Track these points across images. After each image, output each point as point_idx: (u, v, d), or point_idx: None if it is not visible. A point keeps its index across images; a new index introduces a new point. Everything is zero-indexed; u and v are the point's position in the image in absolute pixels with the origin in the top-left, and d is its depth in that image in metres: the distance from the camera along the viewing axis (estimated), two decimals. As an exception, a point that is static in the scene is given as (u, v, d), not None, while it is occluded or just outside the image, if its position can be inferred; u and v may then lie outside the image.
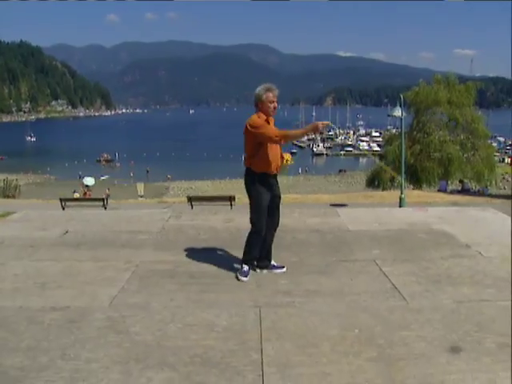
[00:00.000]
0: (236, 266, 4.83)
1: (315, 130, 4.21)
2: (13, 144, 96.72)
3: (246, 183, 4.59)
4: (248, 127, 4.37)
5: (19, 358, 3.15)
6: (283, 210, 7.91)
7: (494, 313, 3.77)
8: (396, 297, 4.13)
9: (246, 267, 4.63)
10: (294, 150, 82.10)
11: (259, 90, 4.42)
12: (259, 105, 4.42)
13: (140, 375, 2.95)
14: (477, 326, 3.55)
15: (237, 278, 4.58)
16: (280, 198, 4.74)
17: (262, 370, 2.99)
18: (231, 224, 6.78)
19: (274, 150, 4.47)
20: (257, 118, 4.37)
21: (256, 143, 4.40)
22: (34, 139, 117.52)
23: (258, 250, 4.66)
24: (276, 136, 4.32)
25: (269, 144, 4.40)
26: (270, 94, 4.37)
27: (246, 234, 4.70)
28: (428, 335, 3.42)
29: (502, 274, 4.64)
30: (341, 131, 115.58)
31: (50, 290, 4.29)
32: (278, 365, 3.06)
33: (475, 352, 3.18)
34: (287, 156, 4.75)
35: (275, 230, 4.81)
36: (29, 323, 3.65)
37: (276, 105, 4.43)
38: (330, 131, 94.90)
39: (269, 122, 4.41)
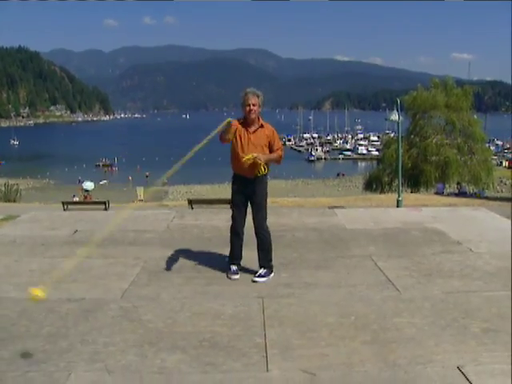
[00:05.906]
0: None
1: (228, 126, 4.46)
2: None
3: None
4: None
5: (41, 343, 3.42)
6: (282, 211, 8.19)
7: (480, 302, 4.06)
8: (389, 288, 4.42)
9: (233, 267, 4.83)
10: (312, 158, 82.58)
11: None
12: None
13: (154, 357, 3.22)
14: (464, 313, 3.83)
15: (227, 276, 4.77)
16: (258, 204, 4.71)
17: (266, 352, 3.27)
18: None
19: (237, 154, 4.61)
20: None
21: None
22: (16, 143, 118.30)
23: (237, 249, 4.86)
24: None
25: (234, 147, 4.61)
26: (244, 98, 4.58)
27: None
28: (418, 321, 3.70)
29: (489, 268, 4.93)
30: (339, 135, 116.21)
31: (65, 284, 4.54)
32: (280, 347, 3.34)
33: (461, 335, 3.47)
34: (260, 166, 4.56)
35: (257, 235, 4.77)
36: (47, 313, 3.92)
37: (251, 107, 4.54)
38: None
39: (244, 124, 4.59)
